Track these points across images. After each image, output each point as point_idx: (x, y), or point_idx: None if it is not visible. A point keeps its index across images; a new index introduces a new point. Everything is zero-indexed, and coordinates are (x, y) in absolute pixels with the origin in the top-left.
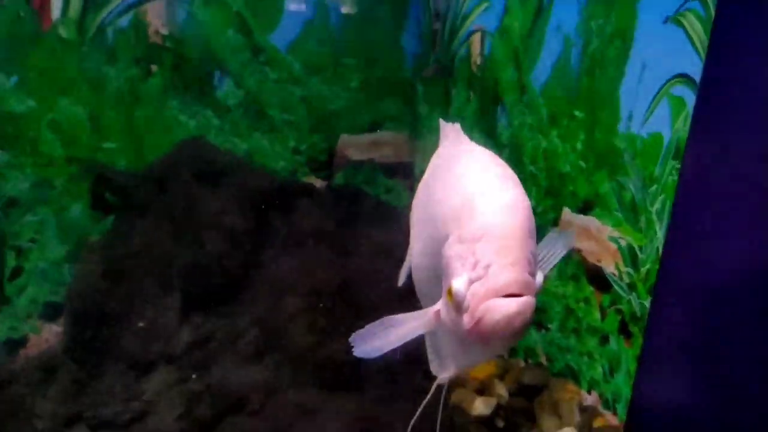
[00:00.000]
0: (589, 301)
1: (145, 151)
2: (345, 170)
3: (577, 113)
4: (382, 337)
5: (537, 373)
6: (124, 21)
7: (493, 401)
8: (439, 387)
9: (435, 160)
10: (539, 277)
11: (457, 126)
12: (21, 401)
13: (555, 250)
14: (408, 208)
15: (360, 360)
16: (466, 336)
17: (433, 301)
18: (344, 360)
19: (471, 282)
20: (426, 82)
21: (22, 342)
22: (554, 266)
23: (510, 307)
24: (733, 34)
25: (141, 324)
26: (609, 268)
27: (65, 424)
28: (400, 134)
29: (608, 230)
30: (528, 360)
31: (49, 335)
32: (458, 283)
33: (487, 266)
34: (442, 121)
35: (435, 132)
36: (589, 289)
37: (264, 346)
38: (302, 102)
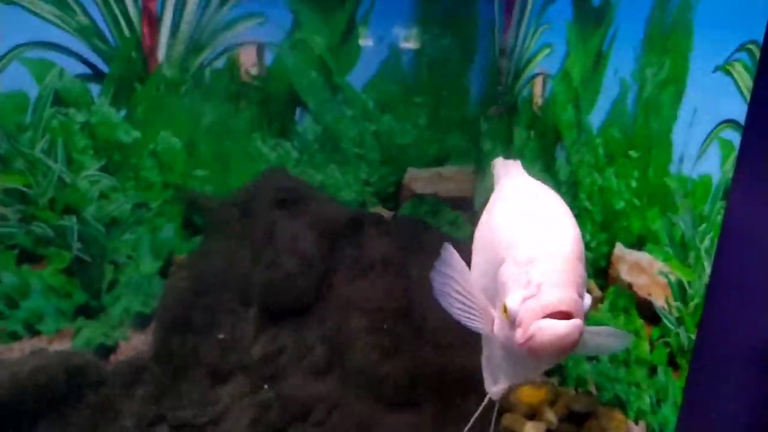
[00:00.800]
0: (639, 334)
1: (231, 178)
2: (411, 202)
3: (632, 153)
4: (453, 286)
5: (586, 401)
6: (219, 63)
7: (542, 426)
8: (491, 402)
9: (496, 192)
10: (587, 299)
11: (518, 162)
12: (111, 401)
13: (611, 341)
14: (468, 240)
15: (418, 380)
16: (517, 349)
17: (489, 321)
18: (404, 378)
19: (524, 299)
20: (490, 120)
21: (113, 348)
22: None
23: (559, 327)
24: None
25: (221, 336)
26: (659, 302)
27: (149, 423)
28: (464, 169)
29: (659, 265)
30: (578, 388)
31: (137, 343)
32: (512, 300)
33: (539, 285)
34: (501, 159)
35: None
36: (639, 321)
37: (330, 362)
38: (374, 137)
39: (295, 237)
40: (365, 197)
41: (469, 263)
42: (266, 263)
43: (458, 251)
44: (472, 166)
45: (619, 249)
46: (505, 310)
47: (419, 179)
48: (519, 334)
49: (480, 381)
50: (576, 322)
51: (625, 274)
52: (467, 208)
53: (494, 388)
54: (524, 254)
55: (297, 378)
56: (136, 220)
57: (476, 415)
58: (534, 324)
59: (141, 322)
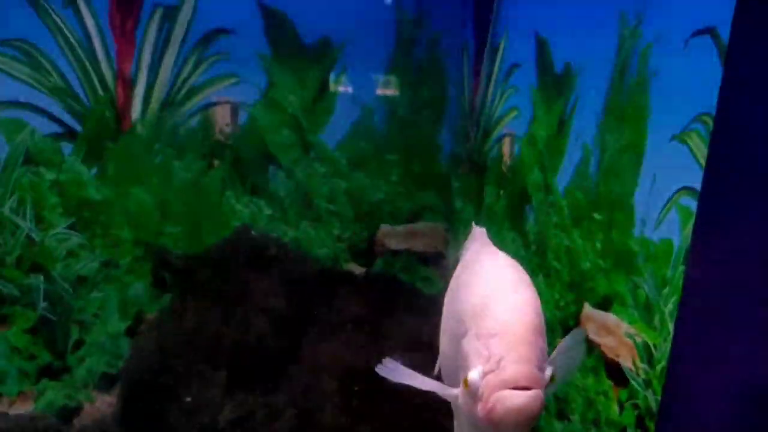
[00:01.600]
0: (607, 395)
1: (203, 236)
2: (384, 258)
3: (596, 215)
4: (408, 375)
5: None
6: (194, 121)
7: None
8: None
9: (462, 262)
10: (548, 372)
11: (484, 230)
12: None
13: (566, 349)
14: (441, 296)
15: None
16: (479, 422)
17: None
18: None
19: (485, 374)
20: (461, 178)
21: (76, 410)
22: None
23: (519, 398)
24: (729, 153)
25: (188, 398)
26: (627, 363)
27: None
28: (436, 225)
29: (625, 327)
30: None
31: (102, 405)
32: (473, 375)
33: (499, 360)
34: (474, 225)
35: (467, 226)
36: (608, 382)
37: (300, 425)
38: (346, 194)
39: (267, 295)
40: (338, 253)
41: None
42: (237, 323)
43: (431, 307)
44: (443, 223)
45: (587, 309)
46: (466, 384)
47: (392, 235)
48: (480, 408)
49: None
50: (535, 393)
51: (593, 334)
52: (440, 264)
53: None
54: (485, 328)
55: None
56: (104, 278)
57: None
58: (494, 396)
59: (106, 383)
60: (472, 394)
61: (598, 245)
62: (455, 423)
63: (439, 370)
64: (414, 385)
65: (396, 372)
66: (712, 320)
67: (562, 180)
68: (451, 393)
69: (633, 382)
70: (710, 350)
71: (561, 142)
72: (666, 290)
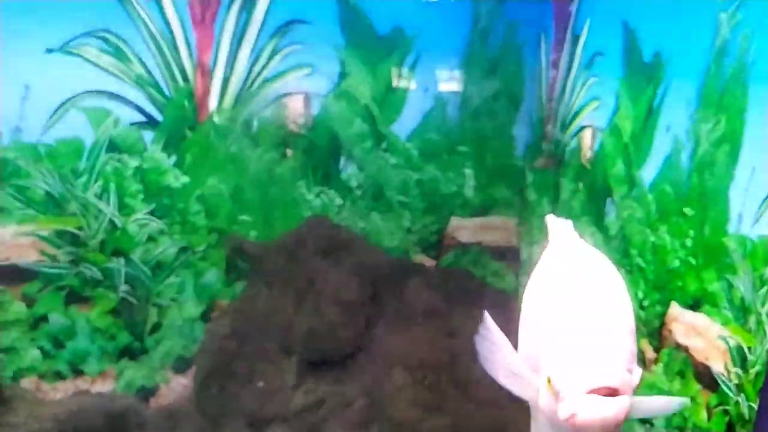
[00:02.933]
0: (695, 400)
1: (275, 224)
2: (454, 251)
3: (686, 211)
4: (501, 346)
5: None
6: (267, 112)
7: None
8: None
9: (545, 256)
10: (636, 373)
11: (569, 223)
12: None
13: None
14: (512, 291)
15: None
16: (560, 423)
17: (534, 390)
18: None
19: (569, 373)
20: (536, 172)
21: (153, 391)
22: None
23: (604, 406)
24: None
25: (261, 383)
26: (717, 367)
27: None
28: (509, 220)
29: (717, 328)
30: None
31: (177, 386)
32: (557, 373)
33: (586, 359)
34: (552, 217)
35: (541, 220)
36: (696, 387)
37: (370, 416)
38: (418, 185)
39: (338, 285)
40: (407, 245)
41: (514, 317)
42: (308, 312)
43: (503, 303)
44: (516, 217)
45: (675, 309)
46: (549, 382)
47: (463, 229)
48: (562, 410)
49: None
50: (622, 401)
51: (681, 336)
52: (512, 259)
53: None
54: (572, 325)
55: (336, 430)
56: (181, 264)
57: None
58: (578, 400)
59: (181, 365)
60: (555, 393)
61: (689, 242)
62: (532, 424)
63: None
64: (502, 361)
65: (491, 341)
66: None
67: (648, 173)
68: (532, 387)
69: (724, 387)
70: None
71: (648, 133)
72: (763, 290)
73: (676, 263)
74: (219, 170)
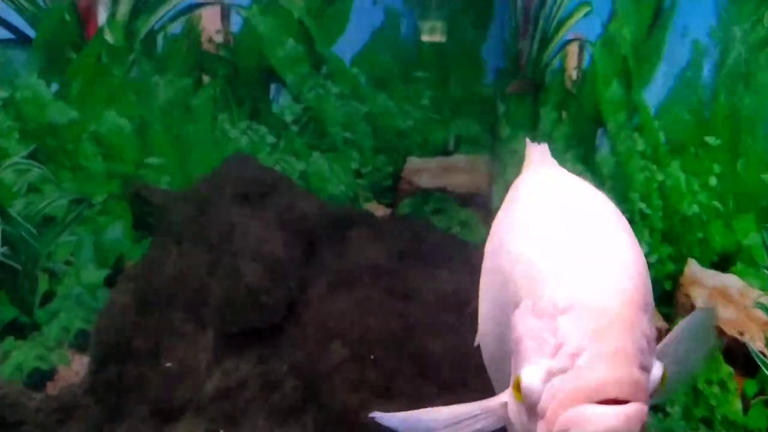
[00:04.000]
0: (725, 386)
1: (192, 168)
2: (412, 198)
3: (709, 140)
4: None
5: None
6: (176, 27)
7: None
8: None
9: (513, 192)
10: (657, 370)
11: (545, 147)
12: None
13: (688, 336)
14: (483, 245)
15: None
16: None
17: (504, 386)
18: None
19: (550, 375)
20: (509, 100)
21: (50, 374)
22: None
23: (608, 421)
24: None
25: (169, 364)
26: (756, 344)
27: None
28: (478, 159)
29: (755, 294)
30: None
31: (80, 367)
32: (530, 376)
33: (575, 354)
34: (528, 141)
35: (519, 156)
36: (727, 369)
37: (302, 402)
38: (367, 120)
39: (260, 240)
40: (357, 191)
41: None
42: (224, 274)
43: (470, 259)
44: (487, 156)
45: (693, 269)
46: (518, 386)
47: (422, 171)
48: (541, 430)
49: None
50: (637, 408)
51: (702, 302)
52: (482, 206)
53: None
54: (552, 299)
55: (261, 420)
56: (76, 219)
57: None
58: (566, 413)
59: (84, 342)
60: (529, 406)
61: (713, 181)
62: None
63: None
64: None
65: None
66: None
67: (654, 95)
68: (495, 405)
69: (766, 371)
70: None
71: (655, 41)
72: None
73: (695, 209)
74: (117, 101)
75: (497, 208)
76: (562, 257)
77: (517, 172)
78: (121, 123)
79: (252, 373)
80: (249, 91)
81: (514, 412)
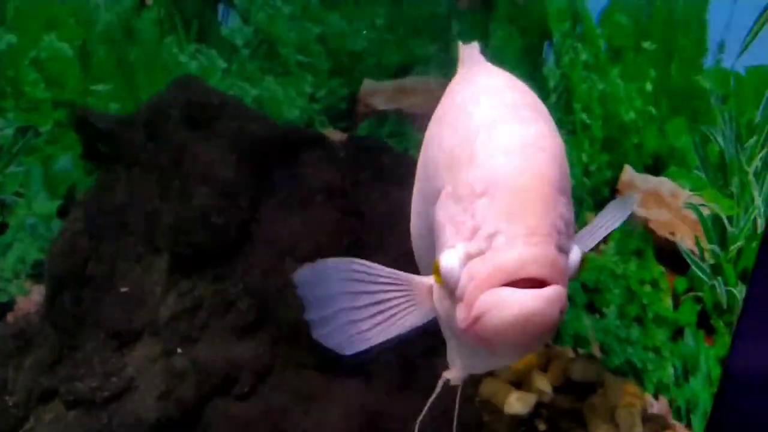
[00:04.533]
0: (657, 284)
1: (140, 94)
2: (369, 121)
3: (646, 45)
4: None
5: (589, 367)
6: None
7: (532, 398)
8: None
9: (446, 91)
10: (575, 254)
11: (474, 46)
12: None
13: (609, 217)
14: None
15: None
16: (460, 336)
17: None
18: None
19: (468, 257)
20: (462, 17)
21: (9, 305)
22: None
23: (525, 302)
24: None
25: (124, 289)
26: (686, 243)
27: (39, 399)
28: (433, 80)
29: (686, 195)
30: (577, 350)
31: (39, 297)
32: (448, 259)
33: (492, 235)
34: (461, 44)
35: None
36: (658, 269)
37: (258, 318)
38: (320, 41)
39: (209, 162)
40: (312, 115)
41: None
42: (175, 197)
43: None
44: (442, 77)
45: (629, 173)
46: (439, 273)
47: (379, 93)
48: (460, 315)
49: None
50: (554, 291)
51: (637, 205)
52: None
53: (450, 372)
54: (468, 182)
55: (217, 339)
56: (22, 149)
57: (430, 401)
58: (483, 297)
59: (42, 272)
60: (449, 290)
61: (649, 86)
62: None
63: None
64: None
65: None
66: None
67: (595, 2)
68: (419, 287)
69: (695, 269)
70: None
71: None
72: (752, 141)
73: (632, 115)
74: (56, 24)
75: None
76: (480, 144)
77: None
78: (62, 48)
79: (207, 294)
80: (195, 12)
81: (437, 297)
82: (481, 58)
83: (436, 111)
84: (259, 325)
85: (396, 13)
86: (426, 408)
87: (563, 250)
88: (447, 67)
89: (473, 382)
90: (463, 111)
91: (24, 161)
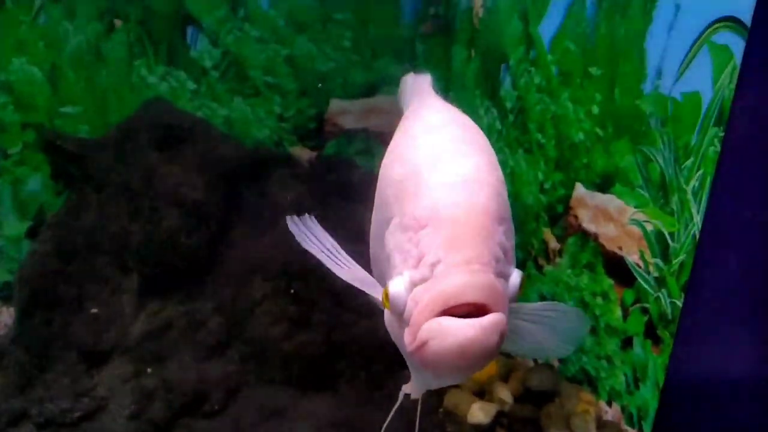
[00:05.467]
0: (607, 296)
1: (110, 116)
2: (337, 140)
3: (592, 70)
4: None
5: (546, 377)
6: None
7: (493, 408)
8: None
9: (399, 124)
10: (515, 277)
11: (426, 78)
12: None
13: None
14: None
15: (336, 355)
16: (409, 357)
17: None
18: (318, 354)
19: (413, 284)
20: (426, 40)
21: None
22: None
23: (465, 331)
24: None
25: (94, 310)
26: (632, 257)
27: (9, 422)
28: (397, 99)
29: (631, 211)
30: (536, 360)
31: (9, 319)
32: (395, 285)
33: (435, 263)
34: (412, 75)
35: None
36: (608, 281)
37: (227, 337)
38: (288, 63)
39: (178, 184)
40: (281, 135)
41: None
42: (144, 219)
43: None
44: None
45: (580, 191)
46: (386, 296)
47: (346, 113)
48: (407, 337)
49: None
50: (494, 319)
51: (587, 222)
52: None
53: (409, 387)
54: (414, 213)
55: (187, 359)
56: None
57: (391, 414)
58: (427, 324)
59: (11, 294)
60: (397, 315)
61: (595, 109)
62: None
63: None
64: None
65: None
66: (759, 195)
67: (548, 29)
68: (378, 300)
69: (641, 281)
70: (752, 235)
71: None
72: (689, 162)
73: (581, 136)
74: (25, 48)
75: None
76: (424, 178)
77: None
78: (33, 71)
79: (177, 314)
80: (164, 35)
81: (388, 320)
82: (431, 90)
83: (391, 142)
84: (229, 344)
85: (362, 35)
86: (387, 420)
87: (503, 275)
88: None
89: (437, 393)
90: (411, 145)
91: None
